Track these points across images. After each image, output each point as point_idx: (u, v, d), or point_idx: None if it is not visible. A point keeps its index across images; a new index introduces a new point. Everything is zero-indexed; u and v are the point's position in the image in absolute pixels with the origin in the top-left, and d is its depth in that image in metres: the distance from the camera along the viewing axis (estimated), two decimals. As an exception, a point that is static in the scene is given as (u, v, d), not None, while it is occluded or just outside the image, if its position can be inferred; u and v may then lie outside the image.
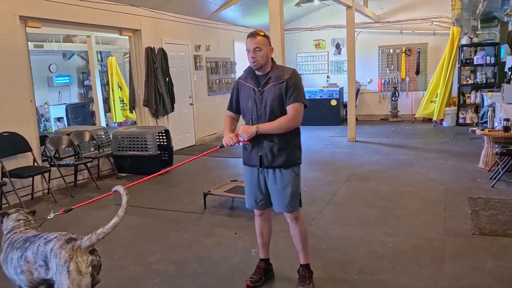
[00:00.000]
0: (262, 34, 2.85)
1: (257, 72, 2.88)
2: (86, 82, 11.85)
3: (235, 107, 3.04)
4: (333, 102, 10.93)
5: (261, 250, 3.16)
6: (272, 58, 2.90)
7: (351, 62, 8.81)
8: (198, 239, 4.01)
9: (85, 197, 5.65)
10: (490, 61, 9.90)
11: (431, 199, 4.92)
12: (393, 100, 11.41)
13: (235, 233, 4.09)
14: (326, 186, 5.60)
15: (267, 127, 2.80)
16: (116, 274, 3.39)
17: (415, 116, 10.92)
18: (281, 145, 2.83)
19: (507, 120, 5.99)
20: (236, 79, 3.08)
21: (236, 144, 2.87)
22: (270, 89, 2.82)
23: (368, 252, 3.58)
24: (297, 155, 2.93)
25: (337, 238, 3.91)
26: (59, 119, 10.91)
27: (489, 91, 9.02)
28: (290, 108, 2.80)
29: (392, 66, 11.48)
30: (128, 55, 8.37)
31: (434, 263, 3.34)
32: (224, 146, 2.93)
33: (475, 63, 10.05)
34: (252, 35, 2.82)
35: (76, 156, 6.21)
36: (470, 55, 10.15)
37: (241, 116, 3.05)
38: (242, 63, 10.83)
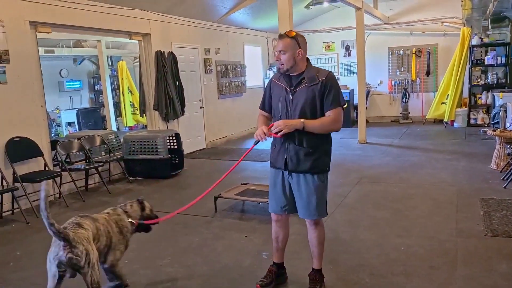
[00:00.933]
0: (291, 35, 2.74)
1: (291, 73, 2.81)
2: (96, 87, 11.96)
3: (267, 106, 3.00)
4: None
5: (275, 254, 3.12)
6: (308, 59, 2.84)
7: (361, 64, 8.78)
8: (209, 242, 4.01)
9: (97, 201, 5.70)
10: (501, 61, 9.80)
11: (442, 200, 4.88)
12: (403, 102, 11.33)
13: (245, 236, 4.09)
14: (336, 188, 5.58)
15: (313, 123, 2.72)
16: (128, 278, 3.40)
17: (426, 117, 10.84)
18: (308, 150, 2.77)
19: (519, 120, 5.93)
20: (271, 77, 3.04)
21: (267, 138, 2.77)
22: (303, 90, 2.76)
23: (380, 254, 3.56)
24: (325, 161, 2.84)
25: (348, 241, 3.89)
26: (70, 124, 11.02)
27: (500, 92, 8.92)
28: (331, 112, 2.74)
29: (402, 68, 11.42)
30: (138, 59, 8.45)
31: (446, 265, 3.31)
32: (258, 141, 2.84)
33: (486, 63, 9.96)
34: (280, 36, 2.77)
35: (87, 161, 6.26)
36: (481, 56, 10.05)
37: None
38: (251, 66, 10.85)
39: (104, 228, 2.79)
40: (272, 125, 2.78)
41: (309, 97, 2.75)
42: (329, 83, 2.76)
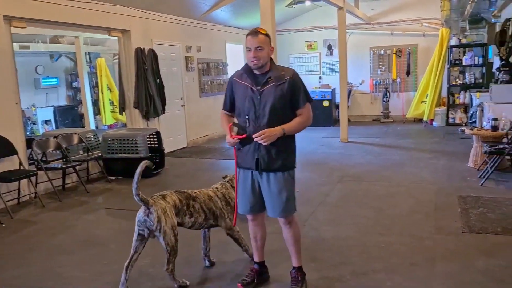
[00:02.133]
0: (264, 32, 2.74)
1: (255, 71, 2.79)
2: (74, 84, 11.70)
3: (229, 106, 2.95)
4: (326, 103, 10.94)
5: (255, 253, 3.12)
6: (271, 58, 2.83)
7: (343, 63, 8.83)
8: (191, 242, 3.95)
9: (75, 200, 5.58)
10: (479, 61, 10.00)
11: (422, 198, 4.94)
12: (384, 101, 11.46)
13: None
14: (319, 187, 5.59)
15: (291, 127, 2.76)
16: (107, 279, 3.34)
17: (406, 116, 10.99)
18: (280, 148, 2.77)
19: (495, 119, 6.04)
20: (231, 76, 2.95)
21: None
22: (271, 89, 2.74)
23: (361, 252, 3.57)
24: (293, 158, 2.88)
25: (330, 239, 3.90)
26: (46, 122, 10.77)
27: (478, 91, 9.10)
28: (304, 110, 2.82)
29: (383, 67, 11.55)
30: (117, 56, 8.30)
31: (426, 262, 3.34)
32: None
33: (463, 63, 10.15)
34: (254, 33, 2.72)
35: (64, 159, 6.12)
36: (459, 56, 10.25)
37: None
38: (234, 64, 10.80)
39: (200, 206, 3.15)
40: (231, 126, 2.83)
41: (277, 96, 2.73)
42: (296, 81, 2.80)
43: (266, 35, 2.75)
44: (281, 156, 2.79)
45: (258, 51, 2.69)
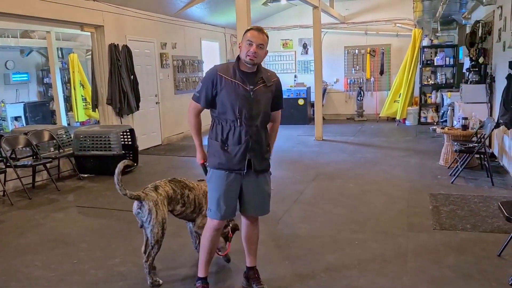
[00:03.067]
0: (266, 34, 2.73)
1: (244, 69, 2.69)
2: (45, 80, 11.42)
3: (205, 101, 2.71)
4: (301, 102, 11.00)
5: (206, 267, 2.88)
6: None
7: (318, 62, 8.90)
8: (164, 240, 3.91)
9: (45, 199, 5.43)
10: (449, 62, 10.24)
11: (395, 196, 5.02)
12: (358, 100, 11.61)
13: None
14: (294, 185, 5.61)
15: (272, 138, 2.94)
16: (76, 278, 3.26)
17: (380, 115, 11.17)
18: (267, 148, 2.83)
19: (465, 118, 6.21)
20: (214, 69, 2.72)
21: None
22: (262, 89, 2.71)
23: (335, 249, 3.61)
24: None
25: (304, 236, 3.92)
26: (16, 118, 10.48)
27: (449, 91, 9.33)
28: (278, 114, 2.89)
29: (357, 66, 11.69)
30: (90, 52, 8.12)
31: (397, 258, 3.40)
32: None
33: (435, 64, 10.37)
34: (259, 29, 2.67)
35: (34, 157, 5.95)
36: (431, 56, 10.47)
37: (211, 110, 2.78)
38: (209, 61, 10.73)
39: (194, 197, 3.19)
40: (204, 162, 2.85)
41: (268, 97, 2.76)
42: (280, 84, 2.87)
43: (268, 37, 2.73)
44: (268, 156, 2.83)
45: (259, 48, 2.64)
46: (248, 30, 2.70)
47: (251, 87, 2.67)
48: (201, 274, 2.90)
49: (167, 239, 3.71)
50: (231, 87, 2.66)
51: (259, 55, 2.64)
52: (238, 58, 2.71)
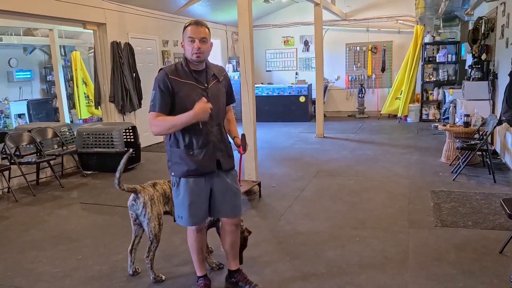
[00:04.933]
0: (206, 25, 2.57)
1: (192, 67, 2.56)
2: (48, 78, 11.47)
3: (165, 106, 2.53)
4: (302, 99, 11.01)
5: (201, 267, 2.91)
6: None
7: (319, 59, 8.90)
8: (166, 237, 3.95)
9: (49, 195, 5.48)
10: (452, 59, 10.22)
11: (396, 193, 5.04)
12: (359, 97, 11.61)
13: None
14: (295, 182, 5.64)
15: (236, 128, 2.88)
16: (80, 274, 3.30)
17: (381, 112, 11.16)
18: (230, 145, 2.76)
19: (467, 115, 6.21)
20: (163, 73, 2.55)
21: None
22: (215, 86, 2.63)
23: (336, 246, 3.63)
24: None
25: (305, 233, 3.95)
26: (20, 116, 10.53)
27: (451, 88, 9.32)
28: (229, 108, 2.85)
29: (358, 64, 11.69)
30: (93, 49, 8.15)
31: (399, 255, 3.42)
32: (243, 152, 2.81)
33: (437, 61, 10.36)
34: (198, 23, 2.51)
35: (38, 154, 6.00)
36: (433, 53, 10.46)
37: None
38: (211, 59, 10.65)
39: None
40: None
41: (222, 93, 2.70)
42: (228, 78, 2.82)
43: (208, 28, 2.57)
44: (232, 153, 2.75)
45: (202, 42, 2.48)
46: (186, 26, 2.53)
47: (205, 85, 2.59)
48: (199, 273, 2.92)
49: (169, 235, 3.76)
50: (189, 89, 2.53)
51: (204, 50, 2.50)
52: (185, 58, 2.58)
